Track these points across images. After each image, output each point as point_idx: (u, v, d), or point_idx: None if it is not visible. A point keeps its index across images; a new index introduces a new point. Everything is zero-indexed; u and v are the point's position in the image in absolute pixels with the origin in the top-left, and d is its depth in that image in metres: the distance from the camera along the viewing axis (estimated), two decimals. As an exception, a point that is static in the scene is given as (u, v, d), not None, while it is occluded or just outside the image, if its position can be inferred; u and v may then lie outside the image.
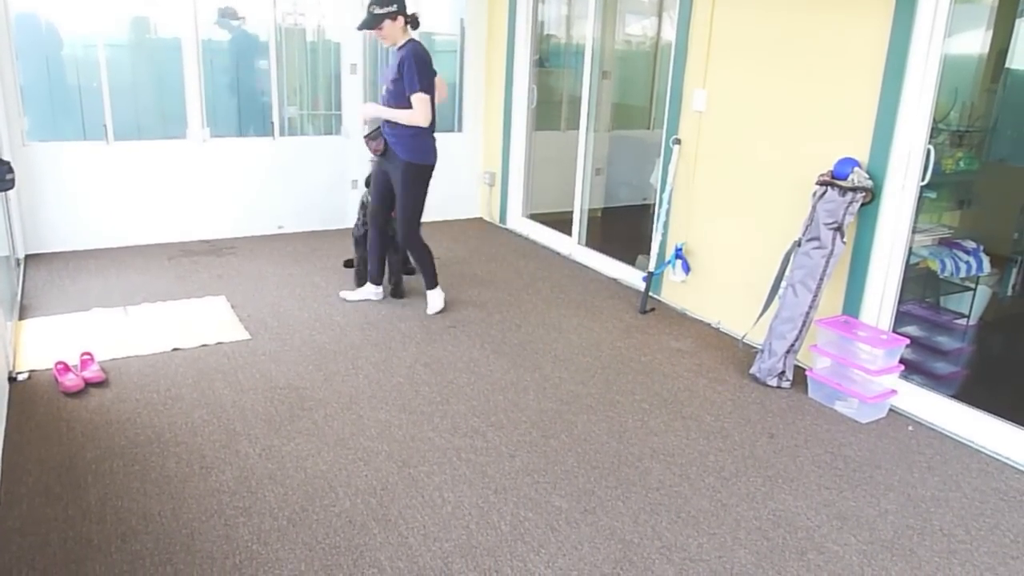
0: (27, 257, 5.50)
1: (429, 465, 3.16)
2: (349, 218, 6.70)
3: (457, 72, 7.14)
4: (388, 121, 4.51)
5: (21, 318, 4.43)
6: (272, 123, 6.30)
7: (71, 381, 3.62)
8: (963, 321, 4.46)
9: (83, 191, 5.69)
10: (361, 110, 5.00)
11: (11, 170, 3.95)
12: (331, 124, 6.76)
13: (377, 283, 4.97)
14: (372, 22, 4.35)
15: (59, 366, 3.72)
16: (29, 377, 3.74)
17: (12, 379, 3.69)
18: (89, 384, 3.68)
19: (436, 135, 4.58)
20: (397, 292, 5.12)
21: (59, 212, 5.64)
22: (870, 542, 2.82)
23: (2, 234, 4.72)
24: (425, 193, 4.69)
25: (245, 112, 6.61)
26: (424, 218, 4.78)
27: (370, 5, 4.33)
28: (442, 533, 2.74)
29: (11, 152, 5.16)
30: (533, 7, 6.52)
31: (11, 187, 4.00)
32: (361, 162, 6.62)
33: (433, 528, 2.77)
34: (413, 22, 4.50)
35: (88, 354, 3.86)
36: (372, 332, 4.49)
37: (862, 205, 3.78)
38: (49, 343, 4.09)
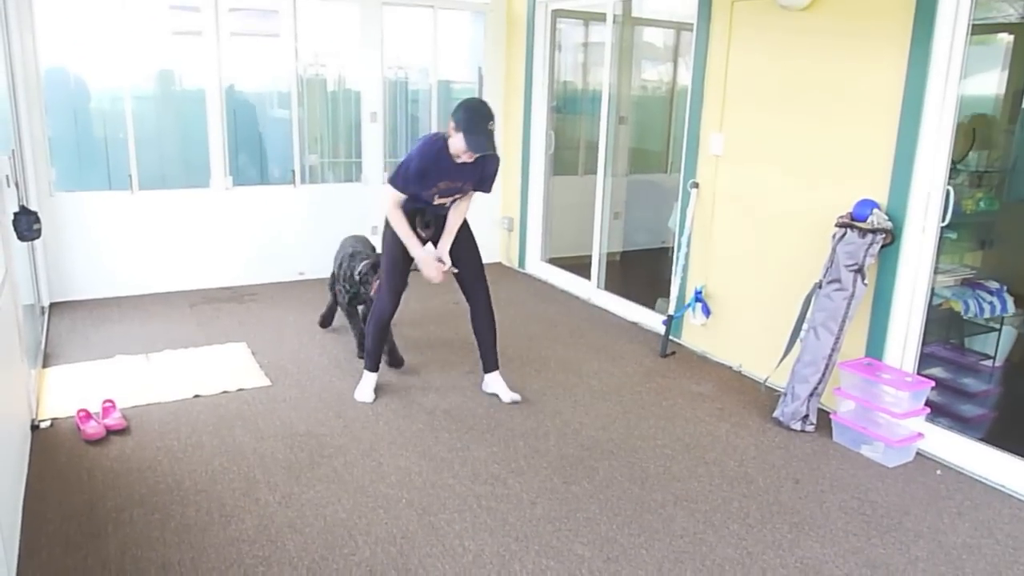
0: (51, 305, 5.57)
1: (449, 513, 3.12)
2: (368, 264, 6.75)
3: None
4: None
5: (45, 366, 4.47)
6: (293, 171, 6.40)
7: (92, 429, 3.64)
8: (989, 362, 4.39)
9: (107, 240, 5.78)
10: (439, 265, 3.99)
11: (38, 220, 4.03)
12: (351, 171, 6.85)
13: (377, 368, 4.30)
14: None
15: (81, 414, 3.74)
16: (51, 425, 3.76)
17: (35, 427, 3.72)
18: (110, 432, 3.69)
19: None
20: (395, 360, 4.64)
21: (84, 260, 5.73)
22: (901, 591, 2.75)
23: (28, 283, 4.79)
24: None
25: (267, 160, 6.72)
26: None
27: (490, 124, 3.68)
28: (461, 573, 2.70)
29: (38, 202, 5.26)
30: (550, 54, 6.62)
31: (38, 236, 4.09)
32: (381, 208, 6.69)
33: (454, 577, 2.73)
34: None
35: (110, 402, 3.88)
36: (392, 378, 4.48)
37: (882, 247, 3.76)
38: (71, 391, 4.12)
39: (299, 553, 2.84)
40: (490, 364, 4.30)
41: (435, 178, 3.77)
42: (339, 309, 5.03)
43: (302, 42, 6.34)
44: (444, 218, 4.03)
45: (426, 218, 4.06)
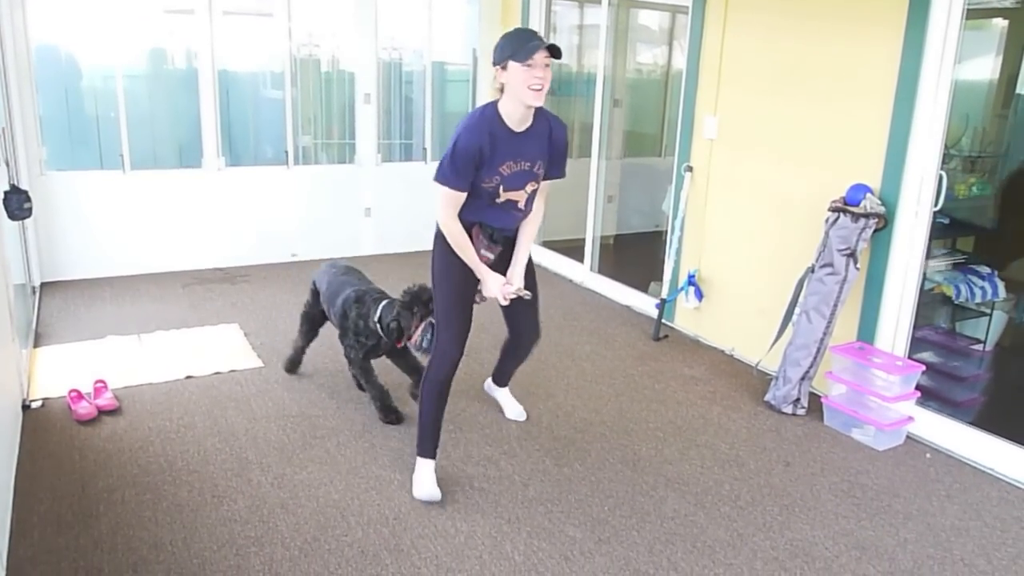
0: (43, 285, 5.54)
1: (442, 494, 3.13)
2: (362, 246, 6.75)
3: (470, 101, 7.19)
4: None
5: (36, 346, 4.46)
6: (287, 152, 6.36)
7: (84, 409, 3.63)
8: (979, 347, 4.41)
9: (99, 220, 5.75)
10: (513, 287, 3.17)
11: (29, 199, 4.01)
12: (345, 153, 6.82)
13: (436, 452, 3.21)
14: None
15: (72, 394, 3.73)
16: (43, 405, 3.75)
17: (26, 407, 3.71)
18: (102, 412, 3.69)
19: None
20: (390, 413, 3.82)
21: (75, 240, 5.70)
22: (890, 573, 2.77)
23: (19, 262, 4.76)
24: None
25: (260, 141, 6.68)
26: None
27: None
28: (455, 563, 2.72)
29: (29, 181, 5.22)
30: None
31: (29, 215, 4.07)
32: (374, 189, 6.68)
33: (446, 558, 2.74)
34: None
35: (101, 382, 3.87)
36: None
37: (875, 231, 3.76)
38: (63, 371, 4.11)
39: (291, 534, 2.85)
40: (504, 381, 3.85)
41: (494, 160, 2.86)
42: (351, 367, 3.89)
43: (295, 22, 6.29)
44: (513, 234, 3.16)
45: (490, 231, 3.07)
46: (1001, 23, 4.68)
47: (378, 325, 3.60)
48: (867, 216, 3.72)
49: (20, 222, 4.61)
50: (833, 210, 3.85)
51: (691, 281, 4.95)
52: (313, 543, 2.80)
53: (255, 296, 5.54)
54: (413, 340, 3.46)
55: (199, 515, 2.94)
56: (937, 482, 3.42)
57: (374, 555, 2.75)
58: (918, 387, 3.76)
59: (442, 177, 2.88)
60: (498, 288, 3.08)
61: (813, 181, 4.13)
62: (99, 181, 5.76)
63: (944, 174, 3.62)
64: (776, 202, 4.40)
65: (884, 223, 3.76)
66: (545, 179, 3.09)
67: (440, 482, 3.17)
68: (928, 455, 3.65)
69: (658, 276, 5.33)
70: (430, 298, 3.29)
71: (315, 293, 4.04)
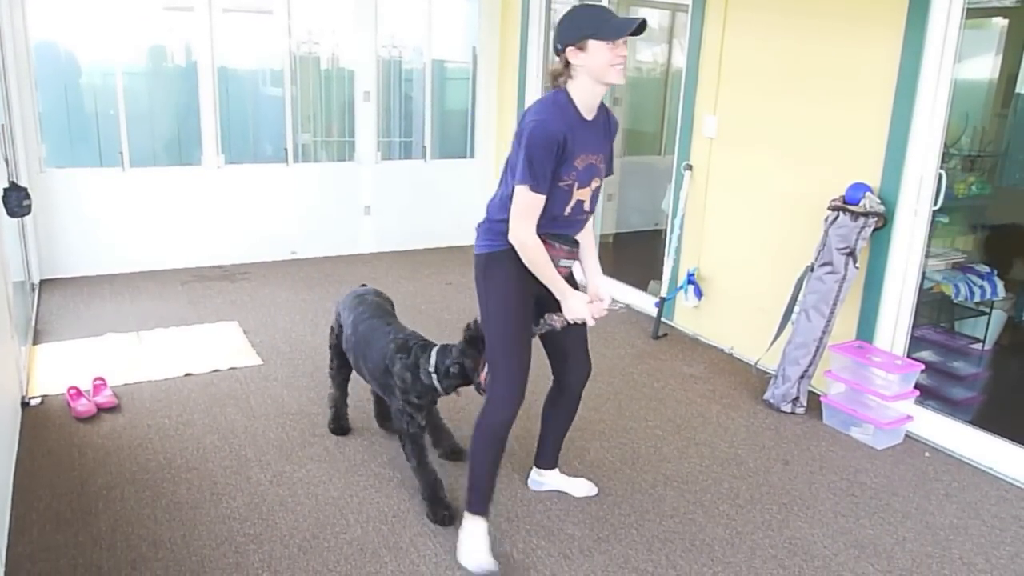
0: (42, 282, 5.54)
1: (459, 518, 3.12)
2: (362, 244, 6.75)
3: (469, 98, 7.19)
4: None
5: (35, 343, 4.46)
6: (286, 150, 6.36)
7: (83, 406, 3.63)
8: (978, 346, 4.42)
9: (98, 217, 5.75)
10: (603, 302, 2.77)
11: (28, 196, 4.01)
12: (344, 151, 6.81)
13: (488, 510, 2.78)
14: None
15: (71, 391, 3.73)
16: (42, 402, 3.75)
17: (25, 404, 3.71)
18: (101, 409, 3.69)
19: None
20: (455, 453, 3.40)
21: (75, 237, 5.69)
22: (888, 571, 2.77)
23: (18, 259, 4.76)
24: None
25: (259, 139, 6.68)
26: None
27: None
28: (454, 561, 2.71)
29: (28, 178, 5.21)
30: (544, 34, 6.57)
31: (28, 213, 4.07)
32: (374, 187, 6.68)
33: (445, 556, 2.74)
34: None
35: (101, 379, 3.87)
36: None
37: (874, 230, 3.76)
38: (62, 368, 4.11)
39: (290, 531, 2.85)
40: (552, 458, 3.18)
41: (573, 153, 2.49)
42: (402, 440, 3.07)
43: (295, 19, 6.28)
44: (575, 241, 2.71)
45: (564, 241, 2.64)
46: (1001, 22, 4.68)
47: (434, 376, 2.91)
48: (866, 215, 3.72)
49: (19, 219, 4.61)
50: (833, 209, 3.84)
51: (690, 280, 4.95)
52: (312, 541, 2.80)
53: (254, 294, 5.53)
54: (482, 380, 2.79)
55: (198, 513, 2.94)
56: (936, 481, 3.42)
57: (373, 553, 2.75)
58: (917, 386, 3.77)
59: (531, 179, 2.42)
60: (585, 307, 2.62)
61: (813, 180, 4.13)
62: (98, 178, 5.76)
63: (944, 173, 3.62)
64: (776, 201, 4.40)
65: (883, 222, 3.76)
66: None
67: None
68: (927, 454, 3.65)
69: (657, 275, 5.33)
70: None
71: (340, 327, 3.44)
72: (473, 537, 2.70)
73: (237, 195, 6.21)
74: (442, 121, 7.20)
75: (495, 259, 2.62)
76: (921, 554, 2.88)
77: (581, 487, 3.19)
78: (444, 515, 2.92)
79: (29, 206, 4.02)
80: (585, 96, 2.52)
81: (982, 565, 2.83)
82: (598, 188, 2.67)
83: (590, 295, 2.74)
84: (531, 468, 3.21)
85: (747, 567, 2.75)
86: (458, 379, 2.88)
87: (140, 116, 5.94)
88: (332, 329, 3.51)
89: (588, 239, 2.83)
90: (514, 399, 2.66)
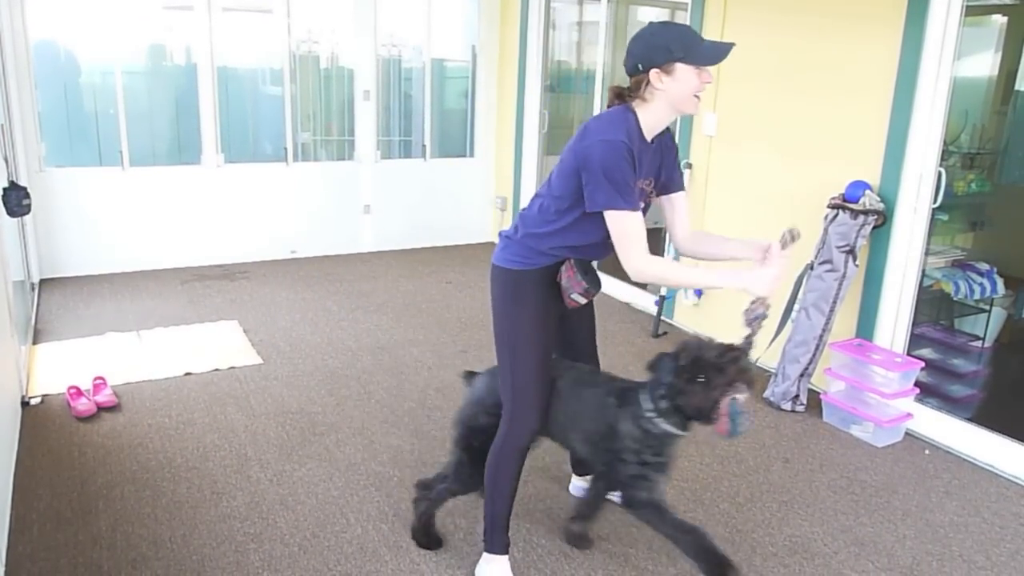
0: (42, 281, 5.54)
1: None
2: (361, 243, 6.75)
3: (469, 98, 7.19)
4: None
5: (35, 342, 4.46)
6: (286, 149, 6.36)
7: (83, 406, 3.63)
8: (978, 343, 4.41)
9: (98, 216, 5.75)
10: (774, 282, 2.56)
11: (28, 195, 4.02)
12: (344, 150, 6.81)
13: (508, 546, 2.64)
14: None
15: (71, 391, 3.73)
16: (42, 401, 3.75)
17: (25, 403, 3.71)
18: (101, 409, 3.69)
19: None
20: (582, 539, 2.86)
21: (74, 237, 5.69)
22: (889, 569, 2.77)
23: (18, 259, 4.76)
24: None
25: (259, 138, 6.68)
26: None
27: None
28: (455, 560, 2.72)
29: (28, 178, 5.22)
30: (544, 33, 6.57)
31: (27, 212, 4.07)
32: (373, 186, 6.68)
33: (445, 555, 2.74)
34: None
35: (101, 378, 3.87)
36: (384, 357, 4.48)
37: (874, 228, 3.76)
38: (62, 367, 4.11)
39: (291, 530, 2.85)
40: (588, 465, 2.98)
41: (637, 176, 2.32)
42: (640, 512, 2.46)
43: (295, 19, 6.29)
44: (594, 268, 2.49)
45: (585, 266, 2.47)
46: (1000, 19, 4.67)
47: (661, 419, 2.36)
48: (866, 213, 3.72)
49: (19, 218, 4.61)
50: (832, 207, 3.84)
51: (690, 278, 4.94)
52: (312, 539, 2.80)
53: (254, 293, 5.53)
54: (722, 427, 2.27)
55: (198, 512, 2.94)
56: (936, 478, 3.42)
57: (373, 551, 2.75)
58: (917, 383, 3.77)
59: (611, 202, 2.23)
60: (772, 272, 2.51)
61: (812, 178, 4.12)
62: (98, 177, 5.76)
63: (943, 171, 3.62)
64: (775, 199, 4.40)
65: (883, 220, 3.76)
66: (665, 193, 2.57)
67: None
68: (927, 451, 3.65)
69: (657, 273, 5.31)
70: (724, 355, 2.42)
71: (481, 414, 2.62)
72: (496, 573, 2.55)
73: (237, 194, 6.21)
74: (442, 120, 7.20)
75: (527, 279, 2.46)
76: (921, 552, 2.88)
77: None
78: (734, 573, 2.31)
79: (29, 205, 4.02)
80: (655, 121, 2.36)
81: (982, 562, 2.84)
82: (643, 209, 2.44)
83: (757, 257, 2.58)
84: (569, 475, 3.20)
85: (747, 565, 2.75)
86: (690, 416, 2.33)
87: (140, 115, 5.94)
88: (462, 417, 2.70)
89: (718, 237, 2.80)
90: (537, 421, 2.51)
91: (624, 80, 2.36)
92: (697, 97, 2.32)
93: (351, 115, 6.66)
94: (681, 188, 2.58)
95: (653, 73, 2.26)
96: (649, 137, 2.37)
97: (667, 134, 2.48)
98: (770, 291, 2.41)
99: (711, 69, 2.31)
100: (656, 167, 2.46)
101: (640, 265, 2.30)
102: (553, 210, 2.40)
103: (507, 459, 2.52)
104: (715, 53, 2.29)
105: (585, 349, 2.82)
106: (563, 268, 2.45)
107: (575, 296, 2.46)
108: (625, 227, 2.26)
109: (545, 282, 2.46)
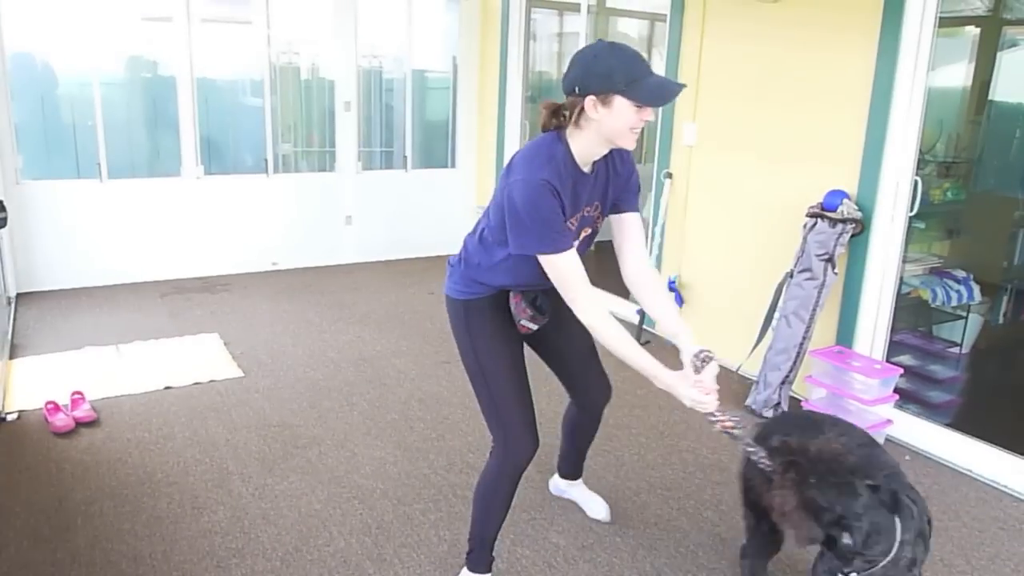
0: (19, 295, 5.48)
1: (424, 503, 3.12)
2: (342, 254, 6.73)
3: (450, 108, 7.20)
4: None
5: (12, 357, 4.40)
6: (266, 160, 6.33)
7: (61, 421, 3.59)
8: (956, 349, 4.46)
9: (76, 229, 5.69)
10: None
11: (3, 208, 3.97)
12: (325, 161, 6.80)
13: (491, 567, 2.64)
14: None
15: (49, 406, 3.69)
16: (19, 417, 3.70)
17: (2, 419, 3.66)
18: (80, 424, 3.65)
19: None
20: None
21: (52, 250, 5.64)
22: (870, 575, 2.79)
23: (-6, 273, 4.70)
24: None
25: (239, 149, 6.65)
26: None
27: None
28: (438, 572, 2.71)
29: (4, 190, 5.16)
30: (524, 44, 6.60)
31: (3, 225, 4.02)
32: (355, 198, 6.67)
33: (429, 567, 2.73)
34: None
35: (79, 393, 3.83)
36: (366, 368, 4.47)
37: (852, 236, 3.80)
38: (40, 382, 4.06)
39: (273, 544, 2.83)
40: (578, 469, 3.10)
41: (567, 211, 2.20)
42: None
43: (275, 29, 6.28)
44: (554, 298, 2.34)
45: (533, 297, 2.44)
46: (973, 31, 4.75)
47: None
48: (844, 221, 3.75)
49: (-5, 232, 4.56)
50: (811, 216, 3.88)
51: (672, 287, 4.98)
52: (295, 553, 2.78)
53: (235, 305, 5.50)
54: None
55: (179, 527, 2.91)
56: (916, 484, 3.41)
57: (357, 565, 2.73)
58: (896, 390, 3.80)
59: (541, 246, 2.14)
60: (692, 393, 2.42)
61: (791, 187, 4.16)
62: (76, 190, 5.71)
63: (919, 179, 3.66)
64: (755, 208, 4.43)
65: (861, 228, 3.80)
66: (616, 213, 2.42)
67: (421, 489, 3.16)
68: (907, 457, 3.68)
69: (639, 282, 5.34)
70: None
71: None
72: None
73: (217, 206, 6.18)
74: (423, 131, 7.20)
75: (477, 307, 2.42)
76: (902, 557, 2.90)
77: (598, 508, 3.07)
78: None
79: (5, 218, 3.98)
80: (587, 152, 2.20)
81: (962, 566, 2.86)
82: (589, 235, 2.39)
83: (695, 375, 2.45)
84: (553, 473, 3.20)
85: (731, 573, 2.76)
86: None
87: (118, 127, 5.90)
88: (745, 484, 2.49)
89: (660, 291, 2.61)
90: (534, 438, 2.47)
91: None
92: (634, 131, 2.11)
93: (332, 126, 6.65)
94: (634, 209, 2.41)
95: (589, 101, 2.07)
96: (586, 167, 2.22)
97: (623, 155, 2.33)
98: (693, 406, 2.35)
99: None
100: (601, 191, 2.31)
101: (589, 319, 2.27)
102: (491, 240, 2.32)
103: (504, 482, 2.48)
104: (660, 93, 2.10)
105: (582, 362, 2.77)
106: (511, 295, 2.42)
107: (524, 322, 2.44)
108: (557, 269, 2.18)
109: (497, 306, 2.43)
